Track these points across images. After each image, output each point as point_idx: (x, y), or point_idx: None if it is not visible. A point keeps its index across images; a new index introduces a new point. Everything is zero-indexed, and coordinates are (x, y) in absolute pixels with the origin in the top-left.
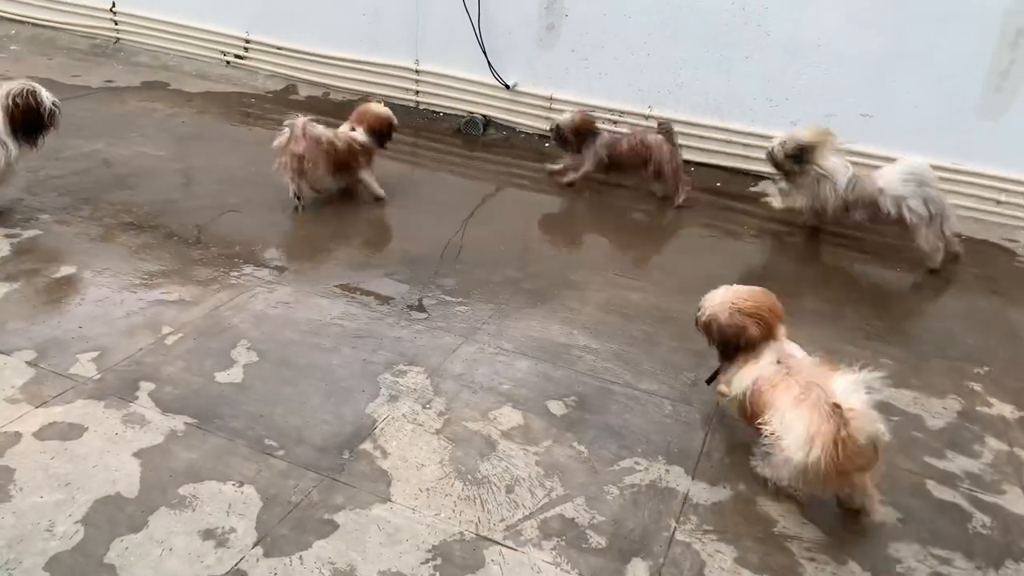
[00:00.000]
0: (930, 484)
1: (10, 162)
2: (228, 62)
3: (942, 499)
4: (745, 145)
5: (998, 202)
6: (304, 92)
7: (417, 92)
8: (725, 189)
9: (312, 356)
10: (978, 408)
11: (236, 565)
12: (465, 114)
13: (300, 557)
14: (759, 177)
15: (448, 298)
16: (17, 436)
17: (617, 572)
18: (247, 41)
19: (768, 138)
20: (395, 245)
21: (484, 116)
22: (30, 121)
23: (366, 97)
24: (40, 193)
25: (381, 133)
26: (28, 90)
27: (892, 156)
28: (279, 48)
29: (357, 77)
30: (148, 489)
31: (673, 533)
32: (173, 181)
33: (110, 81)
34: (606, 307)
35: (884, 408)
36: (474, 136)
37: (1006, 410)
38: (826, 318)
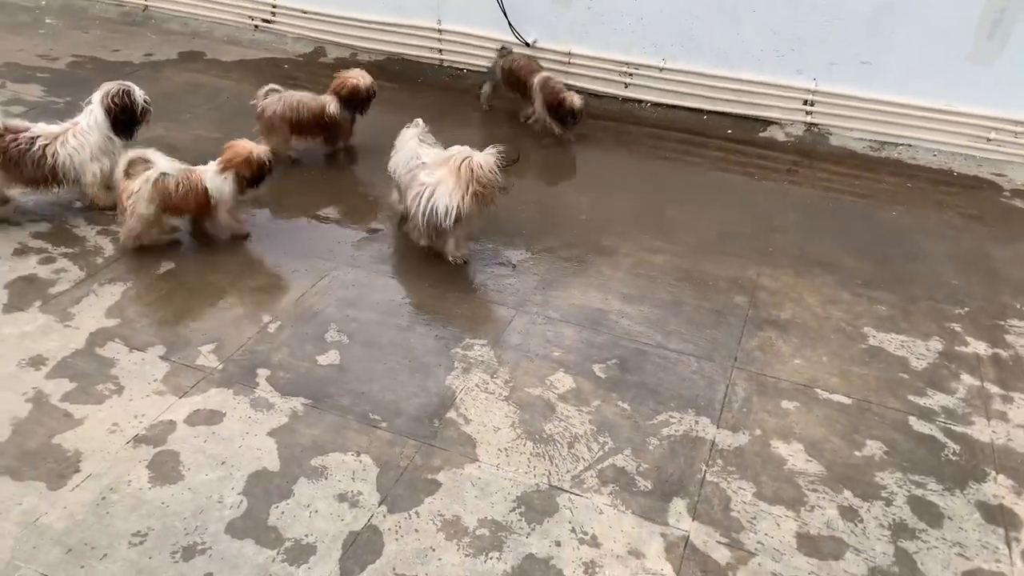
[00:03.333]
0: (912, 419)
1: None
2: (256, 26)
3: (921, 432)
4: (753, 93)
5: (988, 139)
6: (332, 54)
7: (441, 51)
8: (735, 136)
9: (392, 335)
10: (956, 347)
11: (369, 521)
12: (487, 69)
13: (416, 512)
14: (767, 123)
15: (498, 272)
16: (172, 424)
17: (662, 509)
18: (274, 5)
19: (775, 86)
20: None
21: None
22: (127, 118)
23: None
24: None
25: (354, 103)
26: (124, 90)
27: (892, 100)
28: (305, 11)
29: (382, 38)
30: (287, 463)
31: (704, 475)
32: None
33: (149, 55)
34: (635, 271)
35: (874, 353)
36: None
37: (980, 347)
38: (826, 267)
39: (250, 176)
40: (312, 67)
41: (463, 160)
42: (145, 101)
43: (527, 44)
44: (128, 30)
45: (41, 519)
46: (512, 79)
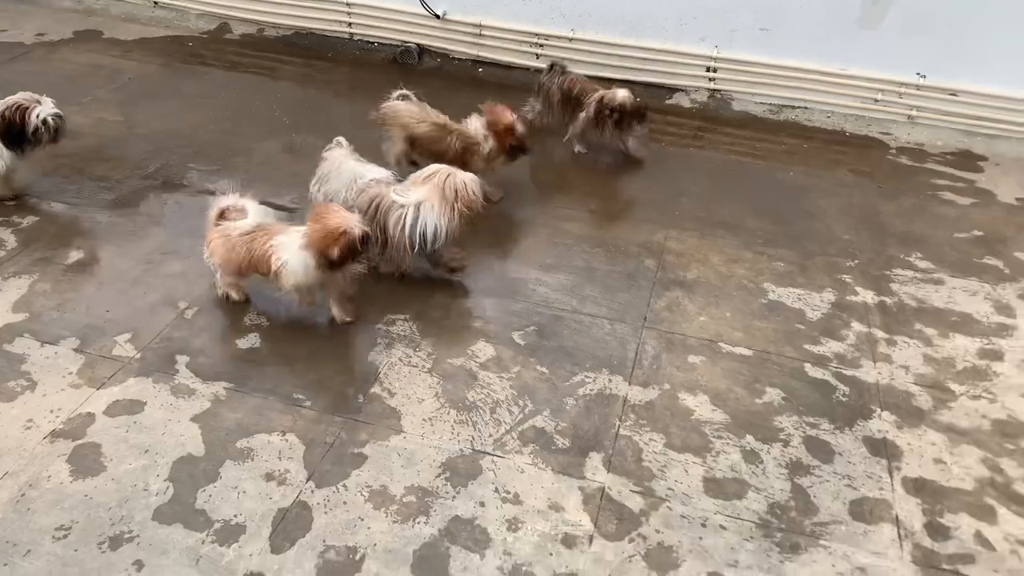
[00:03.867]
0: (807, 367)
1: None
2: (156, 2)
3: (815, 377)
4: (659, 61)
5: (876, 100)
6: (239, 30)
7: (350, 24)
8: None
9: (314, 315)
10: (847, 297)
11: (298, 497)
12: (400, 44)
13: (344, 485)
14: (673, 90)
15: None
16: (91, 416)
17: (579, 464)
18: None
19: (679, 54)
20: None
21: (418, 45)
22: (14, 135)
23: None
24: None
25: (515, 151)
26: (19, 107)
27: (789, 65)
28: None
29: (290, 12)
30: (212, 447)
31: (618, 430)
32: (143, 149)
33: (42, 34)
34: (551, 240)
35: (774, 307)
36: (410, 65)
37: (868, 296)
38: (730, 228)
39: (338, 258)
40: (218, 44)
41: (446, 178)
42: (46, 122)
43: (436, 16)
44: (17, 8)
45: None
46: (568, 100)
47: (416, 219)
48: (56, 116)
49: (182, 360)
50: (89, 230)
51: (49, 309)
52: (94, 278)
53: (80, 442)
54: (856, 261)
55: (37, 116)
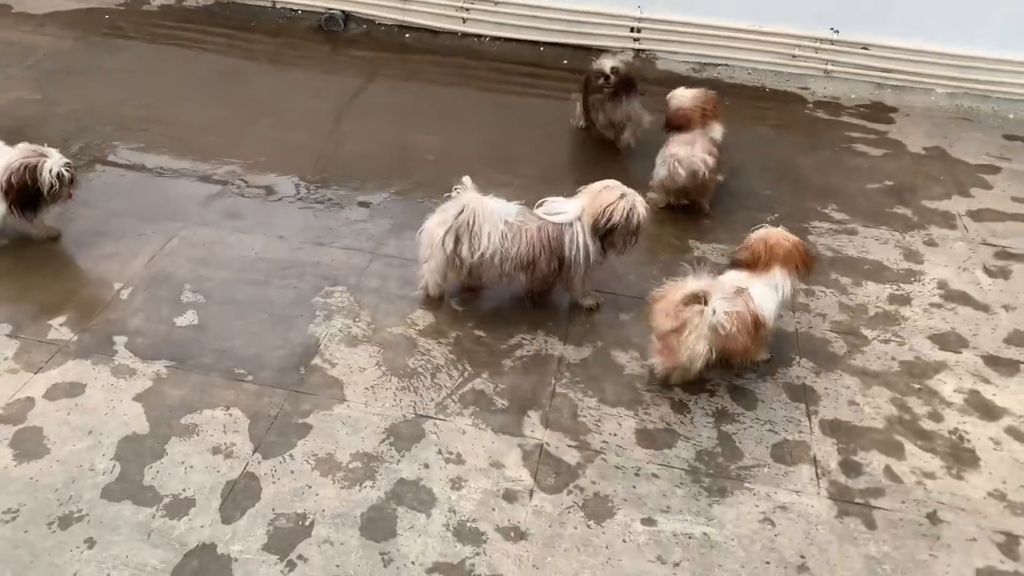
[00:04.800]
0: None
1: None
2: None
3: None
4: (585, 23)
5: (793, 56)
6: (157, 1)
7: None
8: (571, 66)
9: (250, 291)
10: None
11: (245, 468)
12: (324, 10)
13: (290, 455)
14: (600, 51)
15: (352, 217)
16: (31, 401)
17: (518, 423)
18: None
19: (604, 15)
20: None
21: (343, 11)
22: (28, 198)
23: None
24: None
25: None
26: (27, 167)
27: (710, 23)
28: None
29: None
30: (156, 424)
31: (554, 388)
32: (65, 128)
33: None
34: None
35: (700, 262)
36: (336, 32)
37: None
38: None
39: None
40: (136, 16)
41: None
42: (60, 177)
43: None
44: None
45: None
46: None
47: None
48: (67, 166)
49: (120, 340)
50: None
51: None
52: (24, 262)
53: (21, 427)
54: (776, 215)
55: (50, 172)
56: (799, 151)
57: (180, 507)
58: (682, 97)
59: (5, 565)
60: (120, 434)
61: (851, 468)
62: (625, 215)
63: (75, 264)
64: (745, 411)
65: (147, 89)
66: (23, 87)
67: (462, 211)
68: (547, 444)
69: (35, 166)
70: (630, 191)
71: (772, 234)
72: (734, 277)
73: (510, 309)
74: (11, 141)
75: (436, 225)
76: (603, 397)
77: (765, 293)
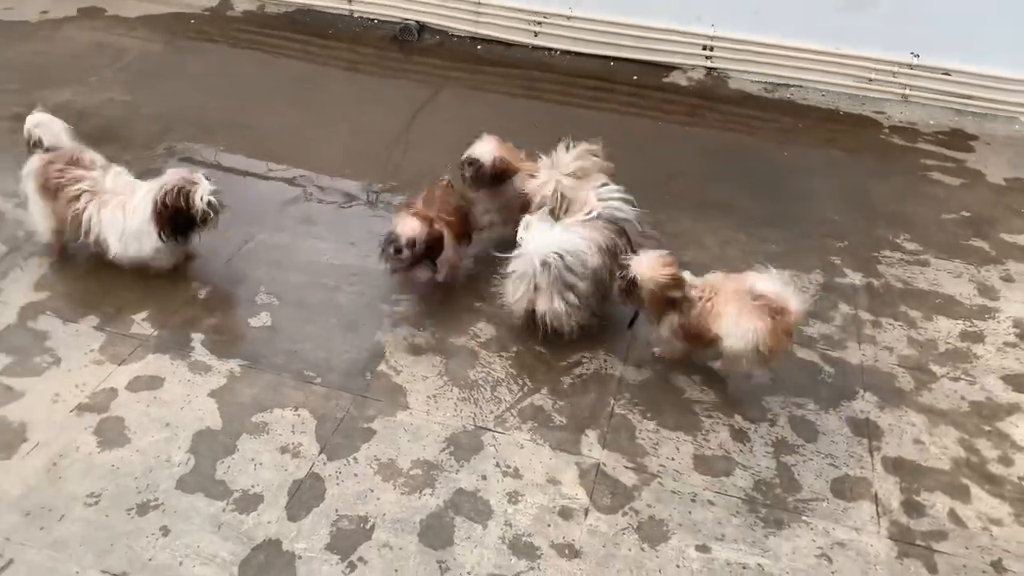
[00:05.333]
0: (794, 348)
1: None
2: None
3: (802, 358)
4: (657, 40)
5: (870, 80)
6: (240, 7)
7: (351, 0)
8: (641, 82)
9: (321, 295)
10: (836, 279)
11: (311, 469)
12: (399, 21)
13: (354, 458)
14: (671, 68)
15: None
16: (114, 391)
17: (576, 441)
18: None
19: (677, 32)
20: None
21: (418, 22)
22: (181, 222)
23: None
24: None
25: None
26: (181, 191)
27: (784, 44)
28: None
29: None
30: (229, 421)
31: (612, 408)
32: (151, 128)
33: (45, 12)
34: None
35: None
36: (410, 42)
37: (856, 278)
38: (723, 209)
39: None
40: (220, 21)
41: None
42: (211, 204)
43: None
44: None
45: None
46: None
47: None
48: (215, 193)
49: (197, 338)
50: None
51: (70, 289)
52: (110, 260)
53: (105, 415)
54: (845, 242)
55: (201, 199)
56: (872, 177)
57: (249, 502)
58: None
59: (87, 546)
60: (195, 428)
61: (913, 508)
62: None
63: None
64: (806, 443)
65: (228, 93)
66: (114, 88)
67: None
68: (604, 464)
69: (189, 191)
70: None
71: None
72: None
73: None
74: (102, 140)
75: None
76: (662, 420)
77: None
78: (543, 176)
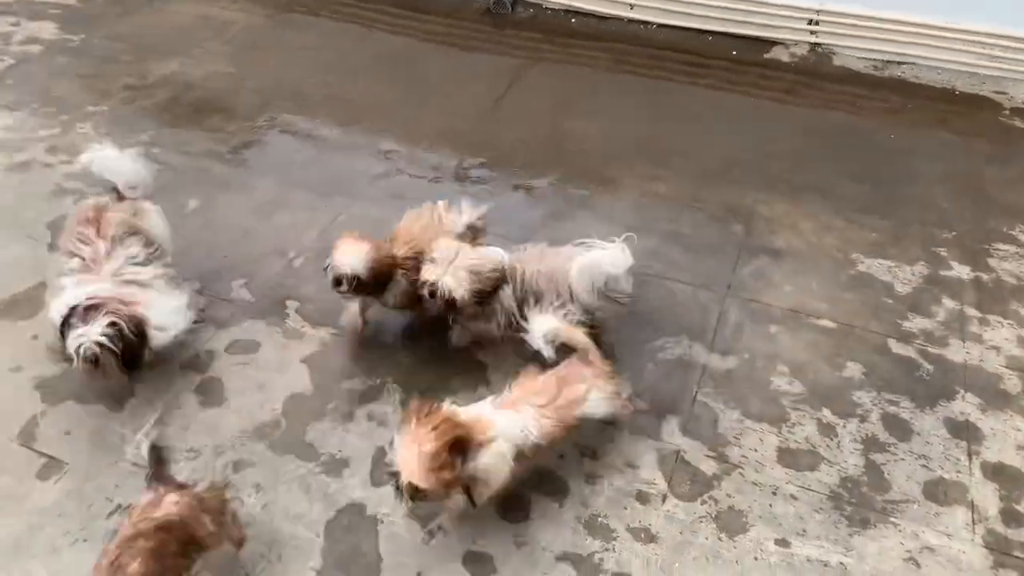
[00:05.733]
0: (892, 342)
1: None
2: None
3: (899, 354)
4: (758, 13)
5: (992, 56)
6: None
7: None
8: (740, 57)
9: None
10: (941, 272)
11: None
12: None
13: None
14: (772, 43)
15: (506, 204)
16: (212, 353)
17: (657, 427)
18: None
19: (780, 6)
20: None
21: None
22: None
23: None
24: (139, 123)
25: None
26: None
27: (896, 18)
28: None
29: None
30: (319, 387)
31: (696, 395)
32: (253, 101)
33: None
34: (637, 201)
35: (862, 279)
36: (503, 15)
37: (964, 272)
38: (822, 193)
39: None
40: None
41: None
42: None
43: None
44: None
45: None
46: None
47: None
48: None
49: (292, 305)
50: (206, 181)
51: (174, 253)
52: (211, 226)
53: (206, 376)
54: (954, 233)
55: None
56: (988, 163)
57: (336, 466)
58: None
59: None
60: (287, 392)
61: (1012, 518)
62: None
63: (255, 231)
64: (898, 442)
65: (327, 66)
66: (218, 61)
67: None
68: (684, 451)
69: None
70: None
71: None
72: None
73: (655, 310)
74: (205, 111)
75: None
76: (746, 410)
77: None
78: (438, 269)
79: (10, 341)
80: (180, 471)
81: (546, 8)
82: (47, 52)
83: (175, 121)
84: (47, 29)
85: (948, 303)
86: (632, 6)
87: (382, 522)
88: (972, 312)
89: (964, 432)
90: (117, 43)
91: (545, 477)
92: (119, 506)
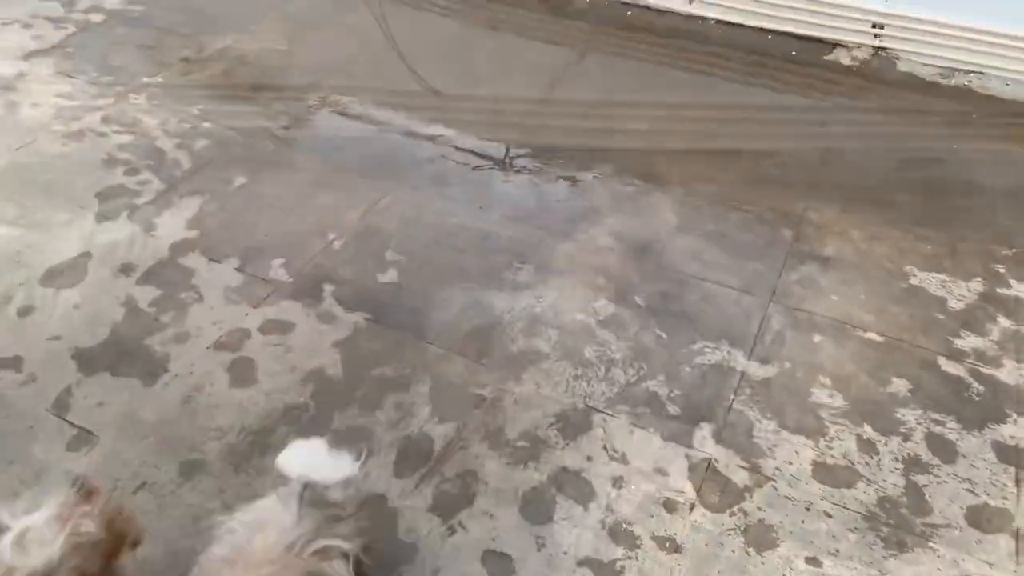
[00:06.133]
0: (941, 360)
1: None
2: None
3: (948, 372)
4: (821, 13)
5: None
6: None
7: None
8: (800, 58)
9: (448, 256)
10: (998, 290)
11: (421, 428)
12: None
13: (464, 423)
14: (834, 45)
15: (551, 196)
16: (247, 332)
17: (689, 433)
18: None
19: (844, 7)
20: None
21: None
22: None
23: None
24: (191, 96)
25: None
26: None
27: (966, 25)
28: None
29: None
30: (349, 372)
31: (731, 403)
32: (303, 80)
33: None
34: (684, 200)
35: (914, 293)
36: (560, 5)
37: (1022, 290)
38: (876, 201)
39: None
40: None
41: None
42: None
43: None
44: None
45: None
46: None
47: None
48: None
49: (328, 288)
50: (253, 157)
51: (216, 229)
52: (255, 203)
53: (238, 355)
54: (1014, 250)
55: None
56: None
57: (360, 455)
58: None
59: (214, 480)
60: (318, 376)
61: None
62: None
63: (298, 211)
64: (942, 463)
65: (379, 48)
66: (274, 37)
67: None
68: (716, 460)
69: None
70: None
71: None
72: None
73: (694, 312)
74: (256, 88)
75: None
76: (783, 421)
77: None
78: None
79: (50, 311)
80: (209, 449)
81: None
82: (108, 21)
83: (227, 96)
84: None
85: (1004, 322)
86: (691, 0)
87: (402, 515)
88: None
89: (1014, 458)
90: (177, 15)
91: (570, 477)
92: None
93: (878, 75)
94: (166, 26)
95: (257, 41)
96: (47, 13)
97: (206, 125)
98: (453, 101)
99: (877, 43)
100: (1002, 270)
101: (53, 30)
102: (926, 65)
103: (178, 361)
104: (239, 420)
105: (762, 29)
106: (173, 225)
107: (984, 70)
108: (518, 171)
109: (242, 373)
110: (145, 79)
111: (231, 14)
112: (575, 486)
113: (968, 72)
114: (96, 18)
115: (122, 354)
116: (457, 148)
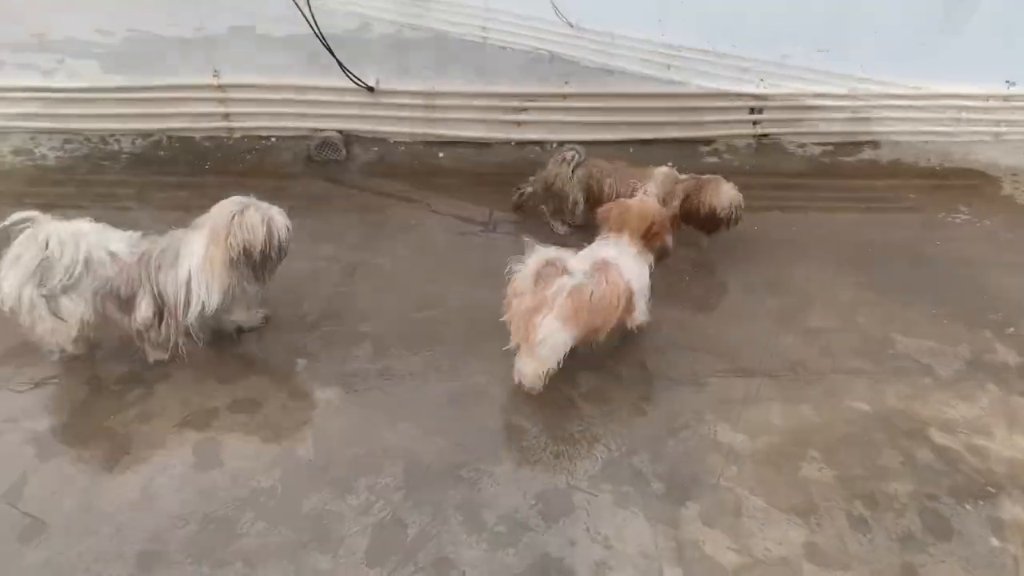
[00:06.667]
0: (932, 431)
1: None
2: None
3: (940, 444)
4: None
5: (958, 119)
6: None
7: (227, 116)
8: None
9: (423, 330)
10: (985, 356)
11: (394, 513)
12: (312, 134)
13: (439, 504)
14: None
15: None
16: (216, 411)
17: (674, 513)
18: None
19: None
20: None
21: (340, 132)
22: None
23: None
24: None
25: None
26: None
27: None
28: None
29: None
30: (320, 453)
31: (718, 480)
32: None
33: None
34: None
35: (902, 360)
36: (335, 162)
37: (1010, 356)
38: (862, 268)
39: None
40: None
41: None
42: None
43: (369, 88)
44: None
45: None
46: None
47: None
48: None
49: (301, 363)
50: None
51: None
52: None
53: (205, 434)
54: (1000, 314)
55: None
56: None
57: (329, 541)
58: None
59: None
60: (288, 456)
61: None
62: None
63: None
64: (937, 541)
65: None
66: None
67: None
68: (703, 542)
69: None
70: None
71: (629, 203)
72: (596, 249)
73: (680, 384)
74: None
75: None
76: (772, 499)
77: (630, 262)
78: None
79: None
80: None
81: (396, 143)
82: None
83: None
84: None
85: (993, 389)
86: (518, 123)
87: None
88: (1020, 401)
89: (1011, 535)
90: None
91: (552, 563)
92: None
93: (764, 166)
94: None
95: None
96: None
97: None
98: None
99: (758, 130)
100: (989, 335)
101: None
102: (816, 143)
103: (140, 442)
104: (202, 508)
105: (625, 142)
106: None
107: (878, 138)
108: None
109: (207, 455)
110: None
111: None
112: (558, 573)
113: (860, 143)
114: None
115: None
116: None
